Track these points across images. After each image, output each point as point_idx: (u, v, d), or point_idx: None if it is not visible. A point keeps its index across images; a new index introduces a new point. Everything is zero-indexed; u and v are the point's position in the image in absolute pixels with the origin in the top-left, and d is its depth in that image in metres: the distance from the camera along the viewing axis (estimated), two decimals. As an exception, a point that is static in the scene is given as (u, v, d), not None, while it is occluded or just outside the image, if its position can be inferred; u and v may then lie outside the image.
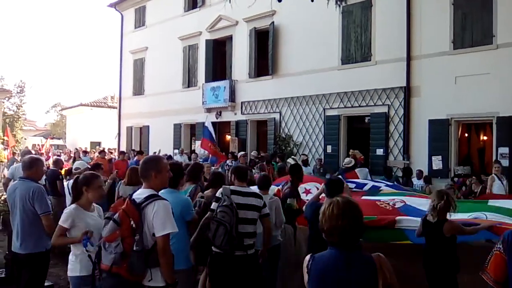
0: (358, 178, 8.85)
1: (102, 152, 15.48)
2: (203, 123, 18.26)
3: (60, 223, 3.84)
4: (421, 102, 12.47)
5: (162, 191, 3.86)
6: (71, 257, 3.90)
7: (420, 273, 4.56)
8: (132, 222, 3.08)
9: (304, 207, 5.66)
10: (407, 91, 12.72)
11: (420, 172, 11.82)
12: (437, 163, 11.97)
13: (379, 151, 13.25)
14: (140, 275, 3.13)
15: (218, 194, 4.58)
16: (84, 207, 3.94)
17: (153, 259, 3.13)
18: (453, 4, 11.86)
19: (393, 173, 11.29)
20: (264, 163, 11.28)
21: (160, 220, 3.12)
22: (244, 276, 4.48)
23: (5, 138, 17.22)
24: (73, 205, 3.92)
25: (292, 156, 13.80)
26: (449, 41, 11.91)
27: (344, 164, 11.58)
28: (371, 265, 2.27)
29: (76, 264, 3.83)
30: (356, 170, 10.15)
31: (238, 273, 4.43)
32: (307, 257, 2.41)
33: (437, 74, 12.10)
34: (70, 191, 6.06)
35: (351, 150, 12.72)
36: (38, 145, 27.37)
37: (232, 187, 4.60)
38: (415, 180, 12.14)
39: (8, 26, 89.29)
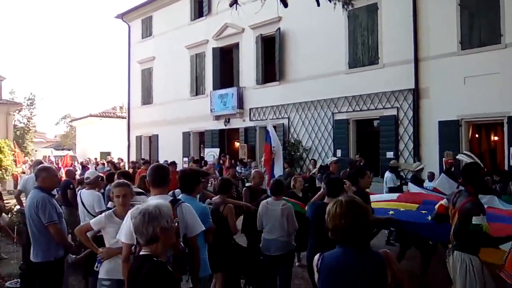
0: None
1: (146, 163, 14.31)
2: (212, 130, 18.34)
3: (91, 221, 4.07)
4: (431, 104, 12.42)
5: (180, 196, 4.04)
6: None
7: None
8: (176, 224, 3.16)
9: (306, 208, 5.60)
10: (416, 93, 12.67)
11: (431, 174, 11.73)
12: (448, 165, 11.88)
13: (389, 154, 13.18)
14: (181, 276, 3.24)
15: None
16: (118, 215, 3.98)
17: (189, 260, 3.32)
18: (460, 4, 11.83)
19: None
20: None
21: (192, 222, 3.33)
22: None
23: (17, 150, 17.41)
24: (108, 212, 4.06)
25: (465, 152, 10.39)
26: (457, 41, 11.87)
27: (414, 169, 10.45)
28: (380, 262, 2.32)
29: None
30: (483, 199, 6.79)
31: None
32: (317, 256, 2.47)
33: (446, 75, 12.05)
34: (83, 201, 6.13)
35: (445, 153, 10.96)
36: (49, 156, 27.54)
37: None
38: (426, 182, 12.05)
39: (18, 40, 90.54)
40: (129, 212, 3.07)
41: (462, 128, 11.87)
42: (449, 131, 11.98)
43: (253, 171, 7.73)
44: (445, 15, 12.12)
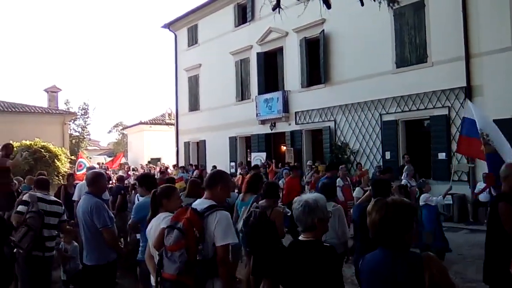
0: None
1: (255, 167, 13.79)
2: (258, 134, 18.33)
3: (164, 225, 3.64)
4: (484, 102, 11.87)
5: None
6: None
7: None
8: (196, 232, 3.11)
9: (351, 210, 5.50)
10: (468, 91, 12.18)
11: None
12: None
13: (441, 155, 12.74)
14: (202, 285, 3.16)
15: (25, 198, 5.05)
16: None
17: (215, 269, 3.16)
18: (513, -4, 11.28)
19: None
20: None
21: (222, 230, 3.14)
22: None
23: (83, 161, 18.10)
24: (166, 213, 3.88)
25: None
26: (510, 35, 11.30)
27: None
28: (417, 263, 2.24)
29: None
30: None
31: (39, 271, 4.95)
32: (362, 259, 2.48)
33: (500, 71, 11.52)
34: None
35: None
36: (103, 163, 28.60)
37: (38, 195, 5.04)
38: (481, 184, 11.58)
39: (70, 51, 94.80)
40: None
41: (520, 126, 11.27)
42: (505, 130, 11.26)
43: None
44: (496, 8, 11.59)
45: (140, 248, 4.81)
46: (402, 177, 8.98)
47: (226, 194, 3.57)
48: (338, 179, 10.01)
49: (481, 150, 7.12)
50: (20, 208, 5.01)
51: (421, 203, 7.82)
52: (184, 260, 3.05)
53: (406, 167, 9.76)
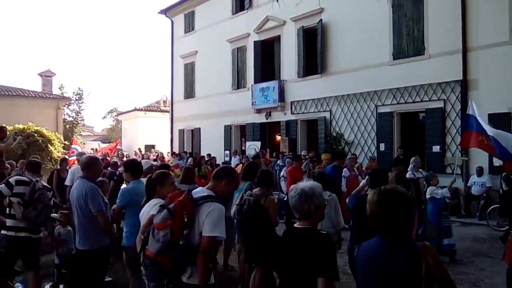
0: None
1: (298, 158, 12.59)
2: (253, 123, 18.31)
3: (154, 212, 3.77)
4: (480, 96, 11.87)
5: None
6: None
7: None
8: (185, 216, 3.10)
9: (347, 200, 5.50)
10: (464, 84, 12.20)
11: (480, 169, 11.37)
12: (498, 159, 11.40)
13: (436, 148, 12.79)
14: (181, 270, 3.16)
15: (12, 180, 4.93)
16: None
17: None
18: (512, -10, 11.26)
19: None
20: None
21: (212, 222, 3.10)
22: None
23: (76, 147, 17.90)
24: (158, 199, 3.91)
25: None
26: (509, 30, 11.30)
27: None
28: (414, 252, 2.24)
29: None
30: None
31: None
32: (357, 246, 2.50)
33: (496, 66, 11.53)
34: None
35: None
36: (96, 149, 28.47)
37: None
38: (474, 178, 11.67)
39: (66, 35, 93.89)
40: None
41: (514, 120, 11.33)
42: (499, 124, 11.36)
43: None
44: (495, 2, 11.55)
45: (124, 234, 4.79)
46: (409, 169, 8.98)
47: (229, 191, 3.55)
48: (345, 169, 10.06)
49: (491, 145, 7.22)
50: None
51: (427, 196, 7.82)
52: (167, 241, 3.05)
53: (413, 158, 9.81)
